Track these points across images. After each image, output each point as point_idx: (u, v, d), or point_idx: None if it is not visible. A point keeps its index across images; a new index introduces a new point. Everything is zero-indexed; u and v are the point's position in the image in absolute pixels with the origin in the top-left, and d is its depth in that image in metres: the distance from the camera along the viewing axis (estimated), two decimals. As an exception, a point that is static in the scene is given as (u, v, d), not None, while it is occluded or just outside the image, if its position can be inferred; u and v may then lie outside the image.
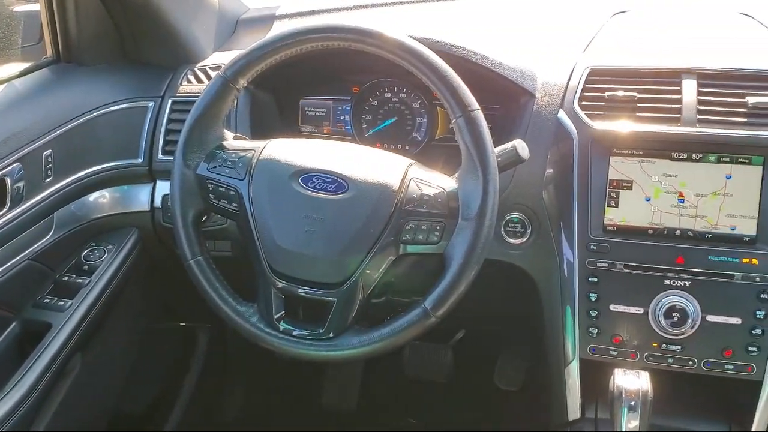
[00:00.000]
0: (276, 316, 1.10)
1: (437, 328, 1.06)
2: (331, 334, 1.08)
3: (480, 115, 1.06)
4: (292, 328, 1.10)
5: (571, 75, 1.29)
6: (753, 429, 1.19)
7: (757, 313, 1.15)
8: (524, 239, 1.29)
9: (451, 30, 1.37)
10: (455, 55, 1.29)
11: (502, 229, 1.29)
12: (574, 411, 1.27)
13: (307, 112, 1.52)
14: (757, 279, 1.15)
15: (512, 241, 1.29)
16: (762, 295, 1.15)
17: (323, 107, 1.51)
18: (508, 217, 1.29)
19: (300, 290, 1.09)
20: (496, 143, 1.10)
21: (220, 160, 1.14)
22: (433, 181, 1.08)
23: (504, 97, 1.35)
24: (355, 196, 1.06)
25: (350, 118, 1.49)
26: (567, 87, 1.28)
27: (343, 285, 1.06)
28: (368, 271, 1.06)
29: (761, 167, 1.16)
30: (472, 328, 1.92)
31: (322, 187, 1.08)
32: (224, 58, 1.55)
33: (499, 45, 1.36)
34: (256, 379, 2.12)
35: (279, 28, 1.44)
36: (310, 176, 1.09)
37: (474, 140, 1.05)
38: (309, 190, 1.08)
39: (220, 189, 1.13)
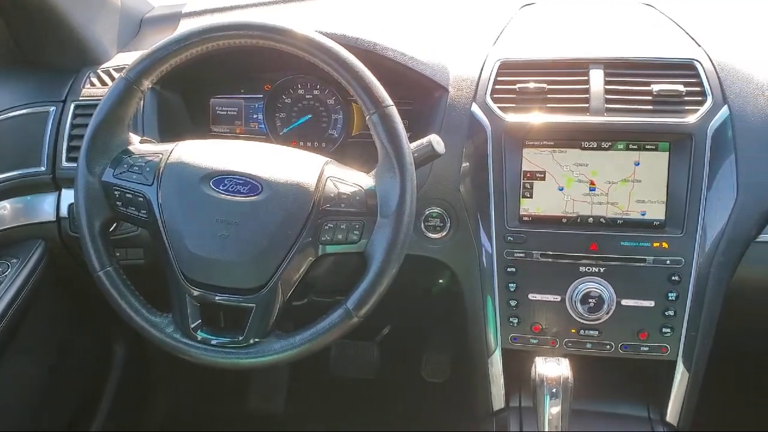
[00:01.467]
0: (192, 326, 1.07)
1: (362, 326, 1.05)
2: (251, 341, 1.05)
3: (394, 110, 1.05)
4: (210, 336, 1.07)
5: (482, 68, 1.30)
6: (669, 407, 1.24)
7: (669, 294, 1.19)
8: (444, 233, 1.29)
9: (362, 25, 1.35)
10: (367, 51, 1.27)
11: (422, 225, 1.29)
12: (498, 400, 1.29)
13: (218, 112, 1.48)
14: (668, 262, 1.19)
15: (432, 235, 1.29)
16: (673, 277, 1.19)
17: (235, 106, 1.47)
18: (427, 212, 1.29)
19: (217, 297, 1.05)
20: (413, 138, 1.10)
21: (126, 166, 1.10)
22: (350, 179, 1.07)
23: (418, 91, 1.35)
24: (270, 198, 1.04)
25: (263, 117, 1.46)
26: (479, 80, 1.29)
27: (262, 290, 1.04)
28: (287, 274, 1.04)
29: (667, 153, 1.20)
30: (398, 323, 1.93)
31: (234, 189, 1.04)
32: (129, 58, 1.49)
33: (409, 39, 1.35)
34: (179, 386, 2.06)
35: (185, 27, 1.39)
36: (221, 179, 1.05)
37: (389, 136, 1.04)
38: (221, 193, 1.05)
39: (128, 196, 1.09)
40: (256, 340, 1.05)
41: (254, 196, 1.04)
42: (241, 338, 1.05)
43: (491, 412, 1.30)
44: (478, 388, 1.32)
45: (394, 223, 1.02)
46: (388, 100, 1.05)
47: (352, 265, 1.22)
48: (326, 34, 1.07)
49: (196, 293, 1.06)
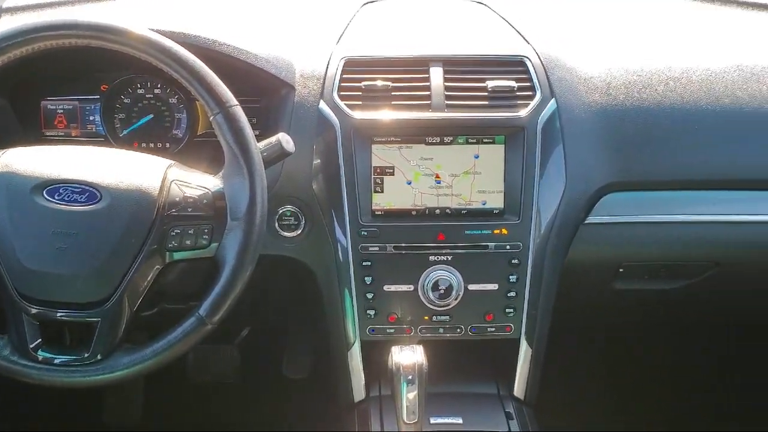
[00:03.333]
0: (32, 346, 1.01)
1: (219, 329, 1.03)
2: (98, 357, 1.01)
3: (239, 110, 1.04)
4: (53, 355, 1.01)
5: (327, 66, 1.31)
6: (516, 382, 1.32)
7: (510, 277, 1.27)
8: (298, 231, 1.29)
9: (200, 22, 1.32)
10: (207, 48, 1.24)
11: (276, 224, 1.28)
12: (359, 392, 1.32)
13: (50, 115, 1.39)
14: (508, 247, 1.26)
15: (287, 234, 1.29)
16: (513, 261, 1.26)
17: (69, 108, 1.39)
18: (280, 211, 1.28)
19: (58, 314, 1.00)
20: (261, 137, 1.10)
21: None
22: (196, 182, 1.05)
23: (264, 89, 1.33)
24: (111, 205, 0.99)
25: (101, 119, 1.38)
26: (325, 78, 1.30)
27: (107, 302, 0.99)
28: (133, 285, 1.00)
29: (503, 146, 1.26)
30: (256, 323, 1.91)
31: (71, 198, 0.99)
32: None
33: (250, 35, 1.33)
34: (25, 409, 1.92)
35: (6, 24, 1.28)
36: (56, 188, 1.00)
37: (235, 137, 1.03)
38: (56, 202, 0.99)
39: None
40: (104, 355, 1.01)
41: (93, 204, 0.99)
42: (87, 355, 1.00)
43: (352, 403, 1.32)
44: (339, 381, 1.34)
45: (245, 226, 1.01)
46: (233, 100, 1.04)
47: (204, 270, 1.20)
48: (163, 32, 1.04)
49: (34, 311, 1.00)
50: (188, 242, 1.02)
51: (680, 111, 1.32)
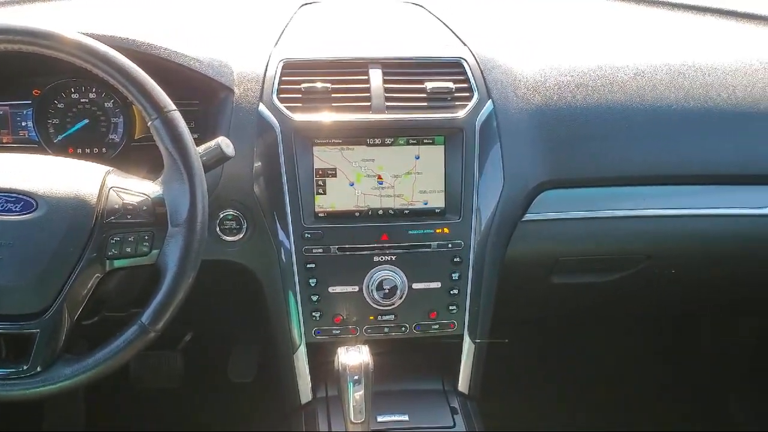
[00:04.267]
0: None
1: (162, 334, 1.02)
2: (38, 369, 0.98)
3: (177, 115, 1.03)
4: None
5: (266, 68, 1.30)
6: (460, 377, 1.34)
7: (453, 275, 1.29)
8: (240, 235, 1.28)
9: (135, 24, 1.30)
10: (142, 52, 1.22)
11: (217, 228, 1.27)
12: (305, 394, 1.32)
13: (-23, 121, 1.34)
14: (450, 245, 1.28)
15: (228, 238, 1.28)
16: (455, 259, 1.29)
17: (-1, 114, 1.35)
18: (222, 216, 1.27)
19: None
20: (200, 140, 1.08)
21: None
22: (135, 188, 1.03)
23: (202, 92, 1.32)
24: (47, 214, 0.97)
25: (34, 124, 1.34)
26: (264, 80, 1.29)
27: (45, 313, 0.97)
28: (73, 294, 0.98)
29: (443, 146, 1.29)
30: (200, 328, 1.89)
31: (5, 208, 0.97)
32: None
33: (187, 37, 1.32)
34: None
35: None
36: None
37: (174, 142, 1.02)
38: None
39: None
40: (44, 367, 0.99)
41: (29, 213, 0.97)
42: (26, 367, 0.98)
43: (299, 405, 1.33)
44: (286, 383, 1.34)
45: (186, 232, 1.00)
46: (170, 105, 1.03)
47: (145, 277, 1.18)
48: (96, 36, 1.02)
49: None
50: (128, 250, 1.00)
51: (610, 110, 1.37)
